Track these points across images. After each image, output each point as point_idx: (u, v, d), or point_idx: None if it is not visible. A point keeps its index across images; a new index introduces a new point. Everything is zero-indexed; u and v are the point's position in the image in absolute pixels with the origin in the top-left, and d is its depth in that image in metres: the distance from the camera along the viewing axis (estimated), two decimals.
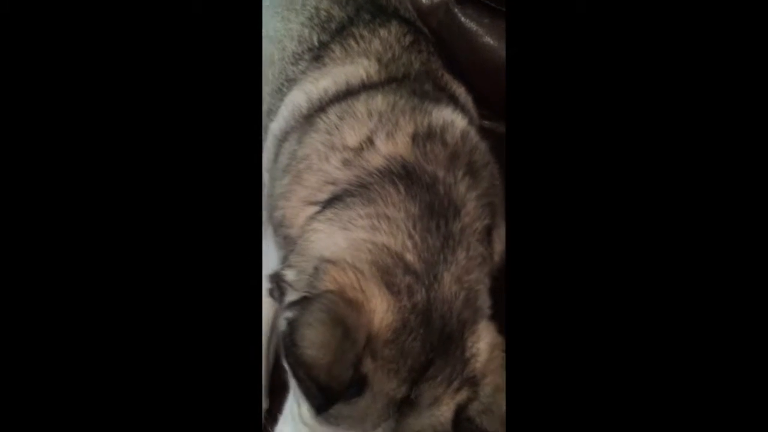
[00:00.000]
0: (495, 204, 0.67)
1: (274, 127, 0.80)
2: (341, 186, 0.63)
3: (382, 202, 0.60)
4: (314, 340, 0.49)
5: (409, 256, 0.57)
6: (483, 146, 0.70)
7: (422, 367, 0.53)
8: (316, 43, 0.84)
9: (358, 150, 0.65)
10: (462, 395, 0.55)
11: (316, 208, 0.65)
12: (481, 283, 0.60)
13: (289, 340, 0.50)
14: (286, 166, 0.71)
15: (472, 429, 0.56)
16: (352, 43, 0.80)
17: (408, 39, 0.82)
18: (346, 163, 0.64)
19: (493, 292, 0.64)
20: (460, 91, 0.82)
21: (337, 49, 0.80)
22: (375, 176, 0.61)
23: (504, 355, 0.57)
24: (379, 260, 0.56)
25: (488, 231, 0.64)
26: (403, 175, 0.61)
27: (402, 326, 0.54)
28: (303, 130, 0.72)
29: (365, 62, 0.77)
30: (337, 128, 0.68)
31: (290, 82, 0.83)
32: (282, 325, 0.53)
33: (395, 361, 0.53)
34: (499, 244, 0.68)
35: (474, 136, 0.69)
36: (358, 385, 0.52)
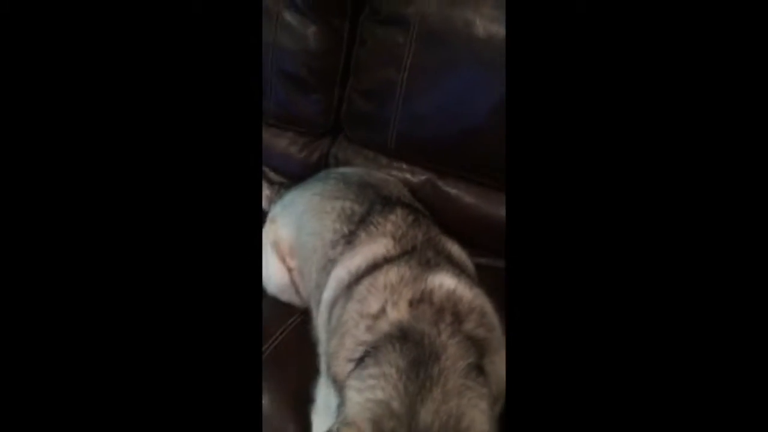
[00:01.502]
0: (482, 338, 0.85)
1: (325, 297, 1.08)
2: (366, 347, 0.84)
3: (384, 361, 0.78)
4: None
5: (394, 404, 0.74)
6: (470, 295, 0.90)
7: None
8: (346, 232, 1.15)
9: (376, 317, 0.87)
10: None
11: (352, 365, 0.85)
12: (468, 407, 0.76)
13: None
14: (335, 329, 0.94)
15: None
16: (372, 228, 1.11)
17: (411, 218, 1.13)
18: (368, 328, 0.86)
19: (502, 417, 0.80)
20: (455, 248, 1.12)
21: (362, 234, 1.11)
22: (383, 339, 0.82)
23: None
24: (374, 415, 0.75)
25: (476, 366, 0.80)
26: (400, 336, 0.81)
27: None
28: (346, 298, 0.97)
29: (384, 240, 1.06)
30: (365, 299, 0.92)
31: (332, 262, 1.13)
32: None
33: None
34: (497, 371, 0.84)
35: (462, 289, 0.91)
36: None
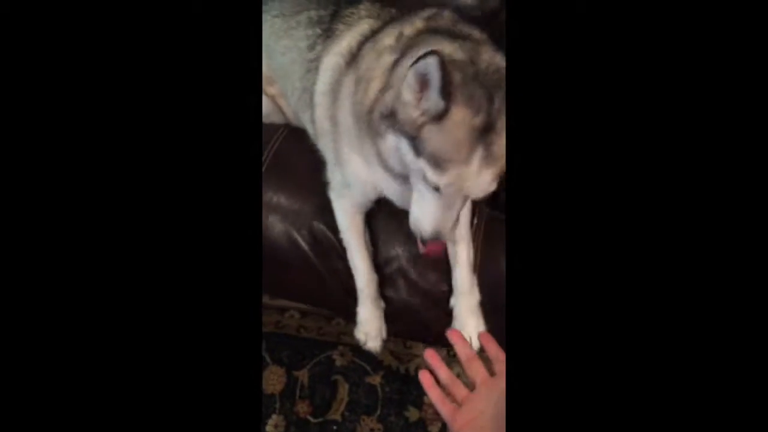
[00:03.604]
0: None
1: (320, 88, 1.15)
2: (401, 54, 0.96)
3: (432, 42, 0.93)
4: None
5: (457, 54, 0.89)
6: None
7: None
8: (320, 32, 1.20)
9: (399, 37, 0.99)
10: None
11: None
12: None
13: None
14: (357, 86, 1.00)
15: None
16: (347, 19, 1.17)
17: (378, 5, 1.20)
18: (393, 50, 0.98)
19: None
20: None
21: (340, 26, 1.16)
22: (417, 38, 0.97)
23: None
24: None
25: None
26: (428, 30, 0.99)
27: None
28: (351, 68, 1.04)
29: (364, 21, 1.13)
30: (374, 49, 1.00)
31: (314, 61, 1.19)
32: None
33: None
34: None
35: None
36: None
